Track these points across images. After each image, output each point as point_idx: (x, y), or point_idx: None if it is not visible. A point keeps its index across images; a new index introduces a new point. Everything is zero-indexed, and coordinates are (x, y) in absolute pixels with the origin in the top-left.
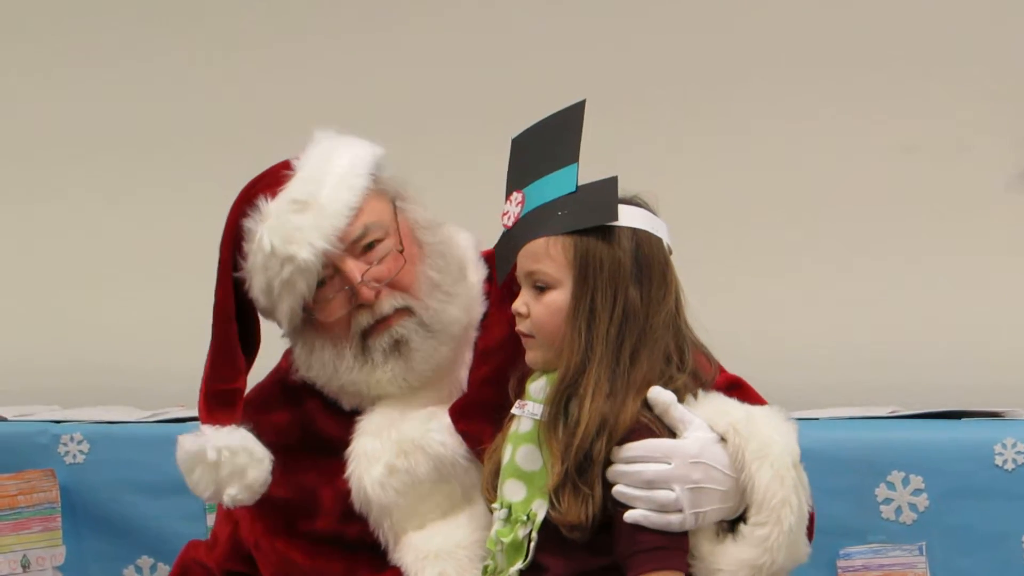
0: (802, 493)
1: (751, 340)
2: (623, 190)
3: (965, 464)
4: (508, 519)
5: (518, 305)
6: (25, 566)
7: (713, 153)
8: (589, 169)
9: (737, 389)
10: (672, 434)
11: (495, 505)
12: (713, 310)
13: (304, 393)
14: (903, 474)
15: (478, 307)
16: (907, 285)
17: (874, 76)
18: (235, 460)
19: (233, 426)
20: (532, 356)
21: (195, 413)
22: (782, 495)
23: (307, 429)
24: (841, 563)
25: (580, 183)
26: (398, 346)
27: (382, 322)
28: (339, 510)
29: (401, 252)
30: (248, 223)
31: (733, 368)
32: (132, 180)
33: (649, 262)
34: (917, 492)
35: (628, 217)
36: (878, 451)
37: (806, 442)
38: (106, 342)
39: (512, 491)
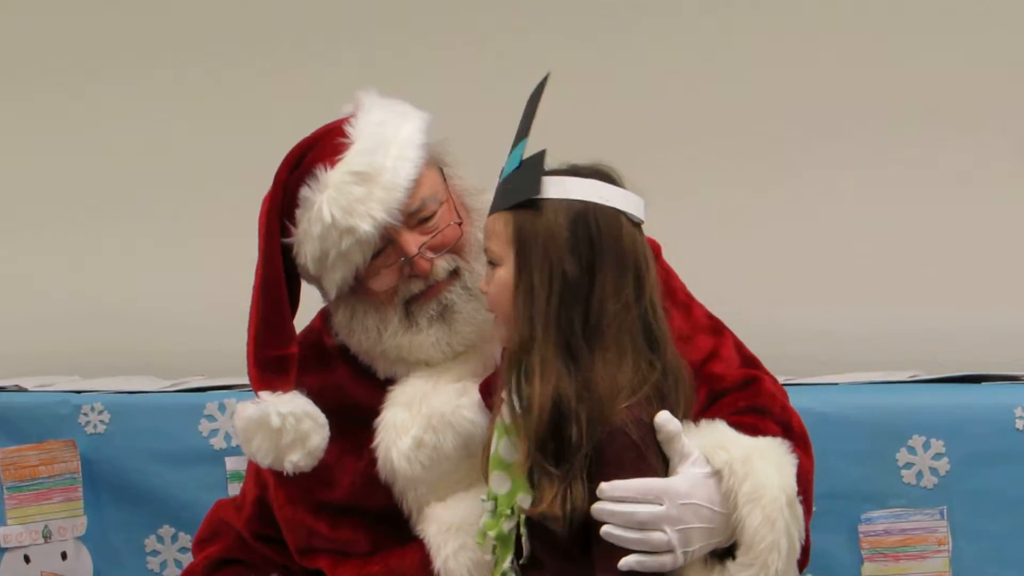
0: (794, 532)
1: (771, 306)
2: (585, 159)
3: (985, 428)
4: (495, 512)
5: (481, 283)
6: (47, 536)
7: (729, 124)
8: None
9: (753, 385)
10: (659, 454)
11: (482, 497)
12: (730, 279)
13: (336, 358)
14: (924, 438)
15: None
16: (927, 250)
17: None
18: (299, 427)
19: (293, 392)
20: (498, 335)
21: (216, 382)
22: (771, 539)
23: (337, 395)
24: (862, 527)
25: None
26: (444, 312)
27: (432, 288)
28: (361, 482)
29: (460, 224)
30: (305, 192)
31: (754, 336)
32: (158, 147)
33: (598, 235)
34: (938, 456)
35: (571, 189)
36: (899, 416)
37: (827, 407)
38: (126, 312)
39: (497, 483)
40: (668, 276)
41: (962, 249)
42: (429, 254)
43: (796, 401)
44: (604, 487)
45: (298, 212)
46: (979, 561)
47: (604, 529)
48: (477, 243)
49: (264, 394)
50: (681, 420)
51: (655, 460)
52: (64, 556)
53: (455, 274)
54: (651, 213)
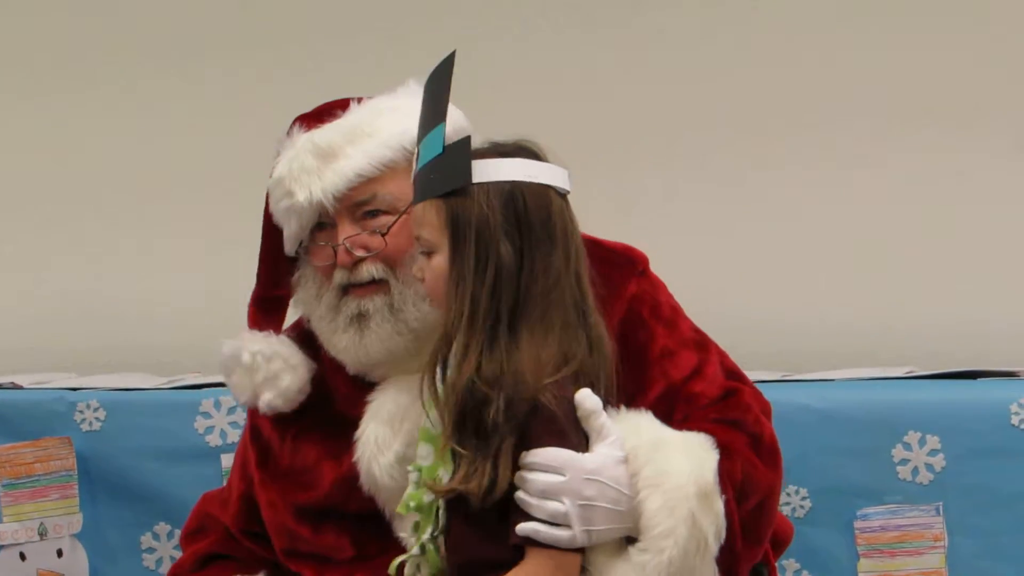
0: (705, 525)
1: (766, 303)
2: (506, 135)
3: (981, 424)
4: (418, 482)
5: (415, 271)
6: (43, 534)
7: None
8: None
9: (730, 398)
10: (581, 432)
11: (410, 467)
12: (728, 274)
13: (321, 347)
14: (919, 434)
15: None
16: (923, 246)
17: None
18: (269, 366)
19: (271, 332)
20: (437, 320)
21: (212, 379)
22: (667, 525)
23: (320, 389)
24: (858, 524)
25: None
26: (359, 319)
27: (358, 288)
28: (341, 486)
29: (384, 235)
30: (280, 145)
31: (750, 333)
32: (154, 145)
33: (525, 213)
34: (933, 452)
35: (499, 170)
36: (894, 412)
37: (823, 403)
38: (122, 309)
39: (423, 454)
40: (655, 290)
41: (958, 245)
42: (358, 251)
43: (792, 397)
44: (522, 456)
45: (275, 160)
46: (975, 557)
47: (517, 494)
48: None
49: (247, 333)
50: (603, 399)
51: (576, 437)
52: (60, 553)
53: (384, 287)
54: (645, 211)
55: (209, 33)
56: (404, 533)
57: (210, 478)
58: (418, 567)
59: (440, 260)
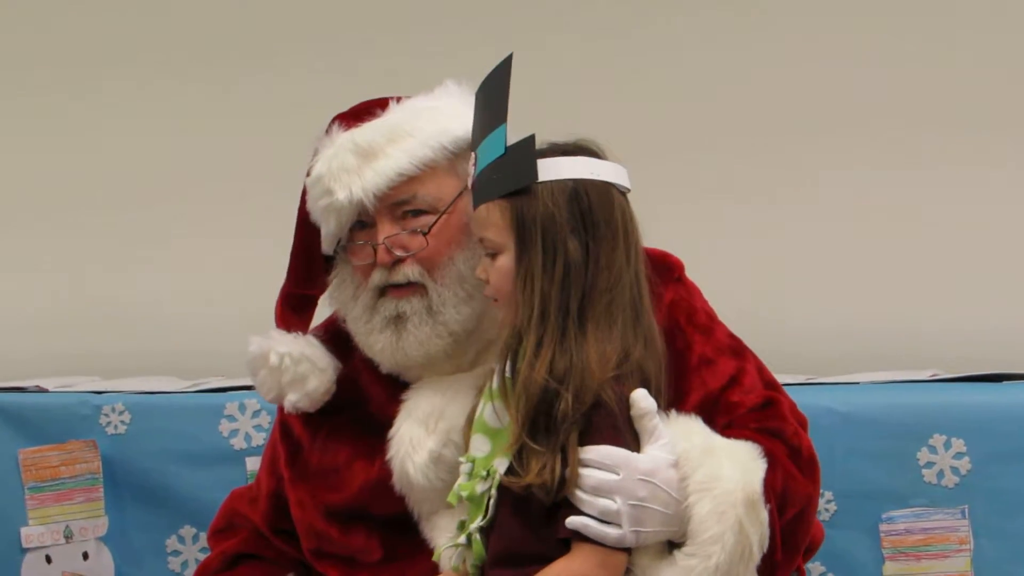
0: (751, 533)
1: (791, 307)
2: (566, 136)
3: (1007, 426)
4: (471, 473)
5: (479, 272)
6: (68, 536)
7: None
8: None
9: (769, 408)
10: (635, 431)
11: (461, 459)
12: (752, 278)
13: (355, 348)
14: (944, 438)
15: None
16: (948, 249)
17: None
18: (297, 368)
19: (300, 333)
20: (502, 319)
21: (237, 383)
22: (716, 531)
23: (352, 390)
24: (884, 527)
25: (514, 142)
26: (397, 320)
27: (396, 289)
28: (372, 488)
29: (426, 235)
30: (319, 144)
31: (775, 337)
32: (181, 148)
33: (590, 211)
34: (959, 455)
35: (562, 169)
36: (919, 415)
37: (848, 407)
38: (147, 313)
39: (478, 446)
40: (691, 296)
41: (984, 248)
42: (398, 251)
43: (817, 401)
44: (580, 452)
45: (313, 159)
46: (1001, 560)
47: (569, 488)
48: (455, 273)
49: (275, 332)
50: (655, 400)
51: (629, 436)
52: (86, 556)
53: (420, 290)
54: (670, 214)
55: (240, 33)
56: (434, 533)
57: (235, 481)
58: (463, 558)
59: (506, 260)
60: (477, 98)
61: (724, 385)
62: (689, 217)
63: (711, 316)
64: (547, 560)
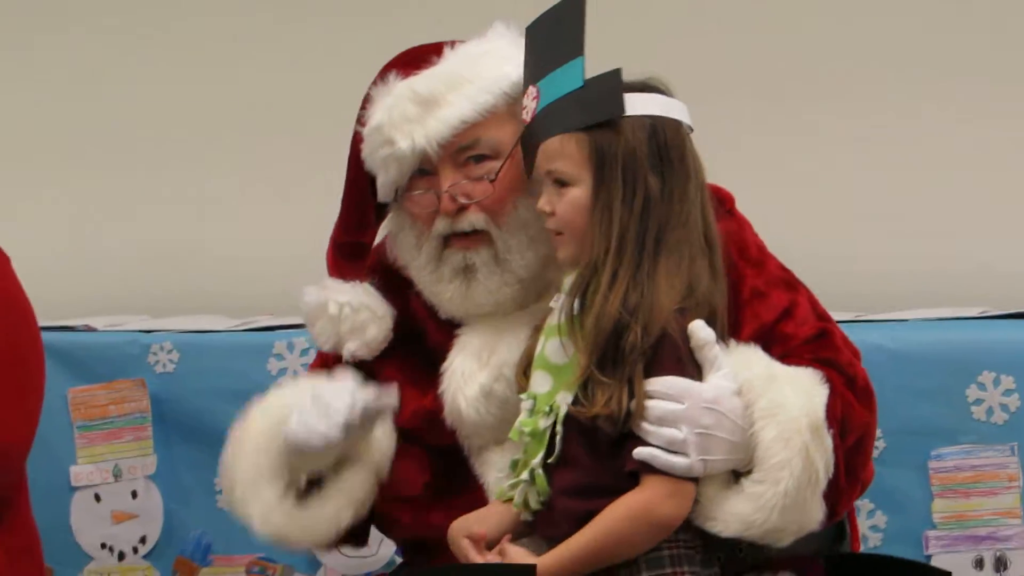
0: (816, 458)
1: (839, 243)
2: (632, 75)
3: None
4: (533, 410)
5: (542, 204)
6: (117, 475)
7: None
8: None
9: (823, 339)
10: (696, 366)
11: (522, 396)
12: (800, 214)
13: (409, 286)
14: (994, 375)
15: None
16: (996, 183)
17: None
18: (356, 316)
19: (357, 281)
20: (563, 254)
21: (285, 321)
22: (783, 456)
23: (407, 325)
24: (933, 464)
25: (590, 76)
26: (466, 271)
27: (460, 238)
28: (423, 418)
29: (492, 181)
30: (374, 91)
31: (824, 274)
32: (229, 86)
33: (666, 148)
34: (1008, 392)
35: (640, 104)
36: (968, 352)
37: (897, 344)
38: (195, 251)
39: (539, 382)
40: (742, 229)
41: None
42: (461, 198)
43: (866, 337)
44: (645, 384)
45: (368, 107)
46: None
47: (634, 421)
48: (519, 218)
49: (330, 280)
50: (718, 332)
51: (692, 368)
52: (134, 495)
53: (485, 238)
54: (717, 148)
55: None
56: (484, 469)
57: None
58: (524, 495)
59: (580, 192)
60: (533, 31)
61: (777, 318)
62: (733, 150)
63: (762, 249)
64: (617, 492)
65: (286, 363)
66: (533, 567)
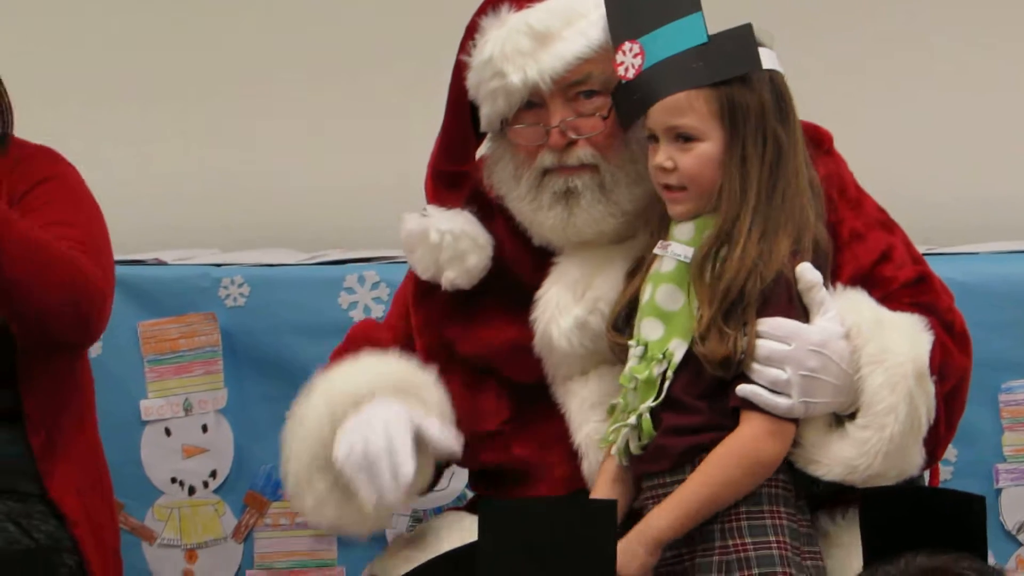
0: (920, 404)
1: (911, 176)
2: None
3: None
4: (644, 356)
5: (662, 160)
6: (188, 409)
7: None
8: None
9: (923, 283)
10: (804, 309)
11: (631, 342)
12: (872, 146)
13: (497, 212)
14: None
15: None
16: None
17: None
18: (457, 245)
19: (458, 209)
20: (682, 208)
21: (356, 255)
22: (890, 402)
23: (498, 259)
24: (1003, 396)
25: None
26: (568, 196)
27: (565, 168)
28: (507, 349)
29: (605, 119)
30: (485, 21)
31: (897, 205)
32: (302, 24)
33: (785, 99)
34: None
35: (764, 58)
36: None
37: (968, 277)
38: (264, 185)
39: (650, 329)
40: (840, 169)
41: None
42: (571, 133)
43: (937, 270)
44: (757, 324)
45: (476, 36)
46: None
47: (745, 360)
48: (628, 153)
49: (431, 208)
50: (824, 275)
51: (801, 310)
52: (205, 429)
53: (593, 169)
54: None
55: None
56: (567, 398)
57: None
58: (629, 438)
59: (711, 147)
60: None
61: (876, 260)
62: (802, 82)
63: (860, 189)
64: (722, 429)
65: (357, 297)
66: (613, 503)
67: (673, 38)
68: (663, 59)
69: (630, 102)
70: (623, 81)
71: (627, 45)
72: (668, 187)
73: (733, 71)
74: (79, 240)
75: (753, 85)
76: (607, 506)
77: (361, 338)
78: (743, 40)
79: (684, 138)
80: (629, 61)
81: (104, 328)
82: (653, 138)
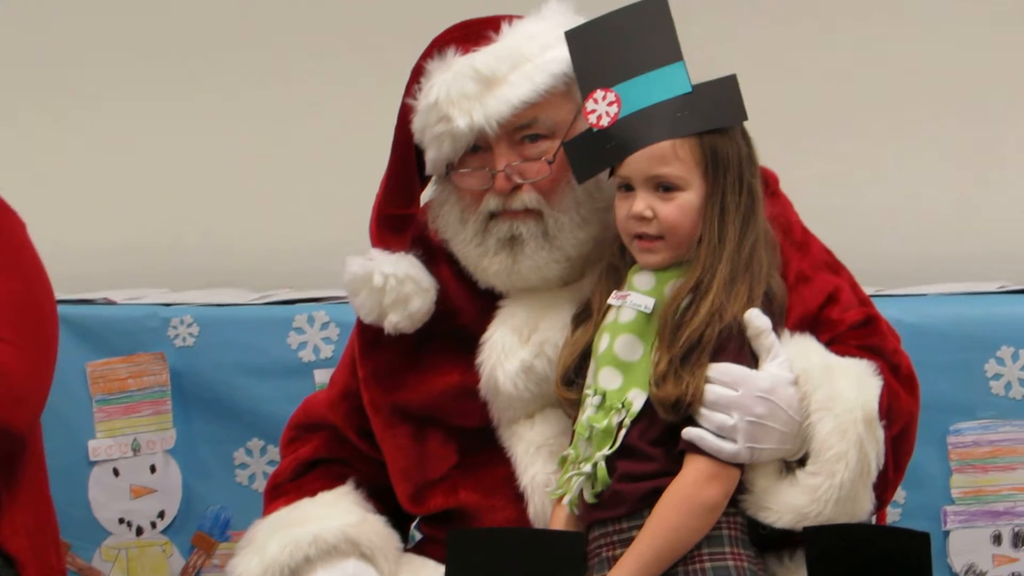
0: (869, 450)
1: (858, 218)
2: (705, 76)
3: None
4: (602, 406)
5: (642, 209)
6: (136, 449)
7: (820, 29)
8: None
9: (869, 325)
10: (754, 356)
11: (588, 391)
12: (823, 181)
13: (441, 257)
14: (1012, 349)
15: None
16: (1016, 159)
17: None
18: (401, 288)
19: (402, 253)
20: (657, 258)
21: (305, 295)
22: (839, 449)
23: (442, 303)
24: (951, 439)
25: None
26: (512, 242)
27: (509, 213)
28: (451, 395)
29: (551, 163)
30: (430, 64)
31: (839, 251)
32: (232, 66)
33: (752, 147)
34: None
35: None
36: (987, 326)
37: (916, 318)
38: (214, 224)
39: (608, 379)
40: (786, 210)
41: None
42: (516, 177)
43: (885, 313)
44: (707, 369)
45: (422, 80)
46: None
47: (693, 404)
48: (572, 198)
49: (375, 251)
50: (776, 320)
51: (751, 355)
52: (153, 469)
53: (537, 215)
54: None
55: None
56: (512, 441)
57: (303, 393)
58: (583, 487)
59: (692, 197)
60: (590, 36)
61: (822, 303)
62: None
63: (805, 231)
64: (672, 473)
65: (306, 337)
66: (580, 535)
67: (654, 87)
68: (643, 108)
69: (602, 150)
70: (594, 129)
71: (600, 93)
72: (642, 236)
73: (720, 122)
74: (5, 324)
75: (731, 134)
76: (574, 538)
77: (310, 423)
78: (729, 90)
79: (665, 187)
80: (603, 109)
81: (39, 413)
82: (627, 187)
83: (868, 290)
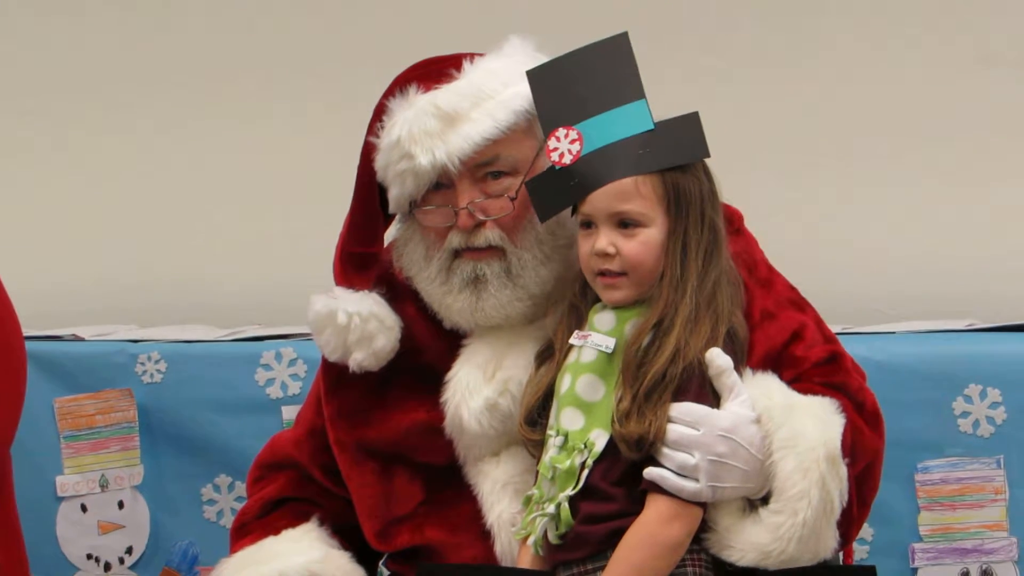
0: (832, 488)
1: (827, 256)
2: (666, 114)
3: None
4: (564, 446)
5: (604, 246)
6: (104, 485)
7: (786, 64)
8: None
9: (834, 362)
10: (716, 394)
11: (551, 432)
12: (789, 221)
13: (406, 296)
14: (980, 387)
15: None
16: (983, 198)
17: None
18: (365, 327)
19: (366, 291)
20: (620, 295)
21: (273, 331)
22: (802, 487)
23: (407, 340)
24: (919, 476)
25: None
26: (476, 282)
27: (472, 251)
28: (416, 432)
29: (513, 200)
30: (392, 103)
31: (812, 286)
32: (202, 103)
33: (715, 185)
34: (995, 405)
35: None
36: (955, 364)
37: (884, 356)
38: (182, 261)
39: (570, 419)
40: (750, 248)
41: (1020, 197)
42: (479, 214)
43: (853, 350)
44: (669, 408)
45: (384, 118)
46: None
47: (655, 443)
48: (534, 235)
49: (339, 290)
50: (739, 359)
51: (712, 395)
52: (121, 505)
53: (499, 253)
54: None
55: None
56: (478, 479)
57: (271, 430)
58: (547, 528)
59: (655, 234)
60: (553, 75)
61: (787, 340)
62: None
63: (770, 268)
64: (635, 514)
65: (274, 373)
66: (547, 574)
67: (616, 124)
68: (605, 145)
69: (565, 188)
70: (556, 167)
71: (561, 131)
72: (605, 273)
73: (683, 158)
74: None
75: (693, 171)
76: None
77: (276, 462)
78: (691, 128)
79: (626, 224)
80: (565, 147)
81: (6, 449)
82: (588, 224)
83: (835, 328)
